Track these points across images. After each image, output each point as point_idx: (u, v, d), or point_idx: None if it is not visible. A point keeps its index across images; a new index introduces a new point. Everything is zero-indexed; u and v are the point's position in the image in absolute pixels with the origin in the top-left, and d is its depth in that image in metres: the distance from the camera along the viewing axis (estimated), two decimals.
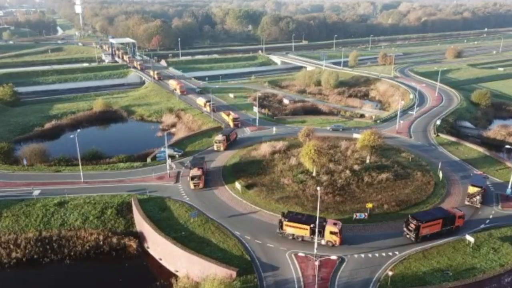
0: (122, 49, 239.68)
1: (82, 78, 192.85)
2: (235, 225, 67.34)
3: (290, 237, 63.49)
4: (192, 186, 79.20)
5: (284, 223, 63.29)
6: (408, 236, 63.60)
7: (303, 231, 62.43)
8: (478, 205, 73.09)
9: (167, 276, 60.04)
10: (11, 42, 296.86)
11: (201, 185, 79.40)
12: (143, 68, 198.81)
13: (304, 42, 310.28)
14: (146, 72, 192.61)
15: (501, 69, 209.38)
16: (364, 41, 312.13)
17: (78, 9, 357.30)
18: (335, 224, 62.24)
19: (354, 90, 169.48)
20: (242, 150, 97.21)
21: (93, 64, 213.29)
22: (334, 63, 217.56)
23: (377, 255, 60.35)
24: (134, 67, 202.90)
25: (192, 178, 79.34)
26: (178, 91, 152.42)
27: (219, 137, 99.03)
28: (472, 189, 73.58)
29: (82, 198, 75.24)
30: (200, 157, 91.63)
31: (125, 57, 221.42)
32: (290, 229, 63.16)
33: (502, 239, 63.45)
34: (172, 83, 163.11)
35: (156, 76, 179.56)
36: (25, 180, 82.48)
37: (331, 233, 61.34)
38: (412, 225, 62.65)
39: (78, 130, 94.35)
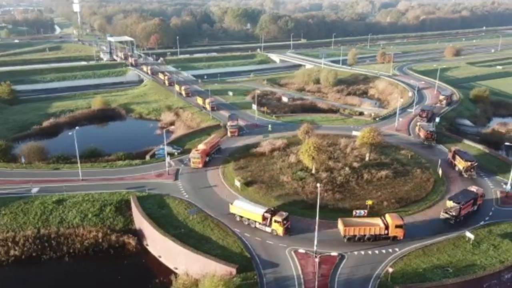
0: (121, 48, 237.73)
1: (80, 76, 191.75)
2: (235, 222, 67.15)
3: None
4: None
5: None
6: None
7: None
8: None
9: (166, 273, 59.83)
10: (16, 41, 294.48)
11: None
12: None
13: (303, 41, 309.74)
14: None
15: (499, 67, 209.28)
16: (362, 40, 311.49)
17: (76, 7, 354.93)
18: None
19: (353, 88, 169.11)
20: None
21: (92, 63, 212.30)
22: (333, 61, 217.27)
23: (377, 252, 60.30)
24: (133, 65, 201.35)
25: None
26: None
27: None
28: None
29: (81, 196, 74.89)
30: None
31: (131, 59, 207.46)
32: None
33: (502, 235, 63.45)
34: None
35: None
36: (23, 178, 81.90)
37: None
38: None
39: (77, 128, 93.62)
